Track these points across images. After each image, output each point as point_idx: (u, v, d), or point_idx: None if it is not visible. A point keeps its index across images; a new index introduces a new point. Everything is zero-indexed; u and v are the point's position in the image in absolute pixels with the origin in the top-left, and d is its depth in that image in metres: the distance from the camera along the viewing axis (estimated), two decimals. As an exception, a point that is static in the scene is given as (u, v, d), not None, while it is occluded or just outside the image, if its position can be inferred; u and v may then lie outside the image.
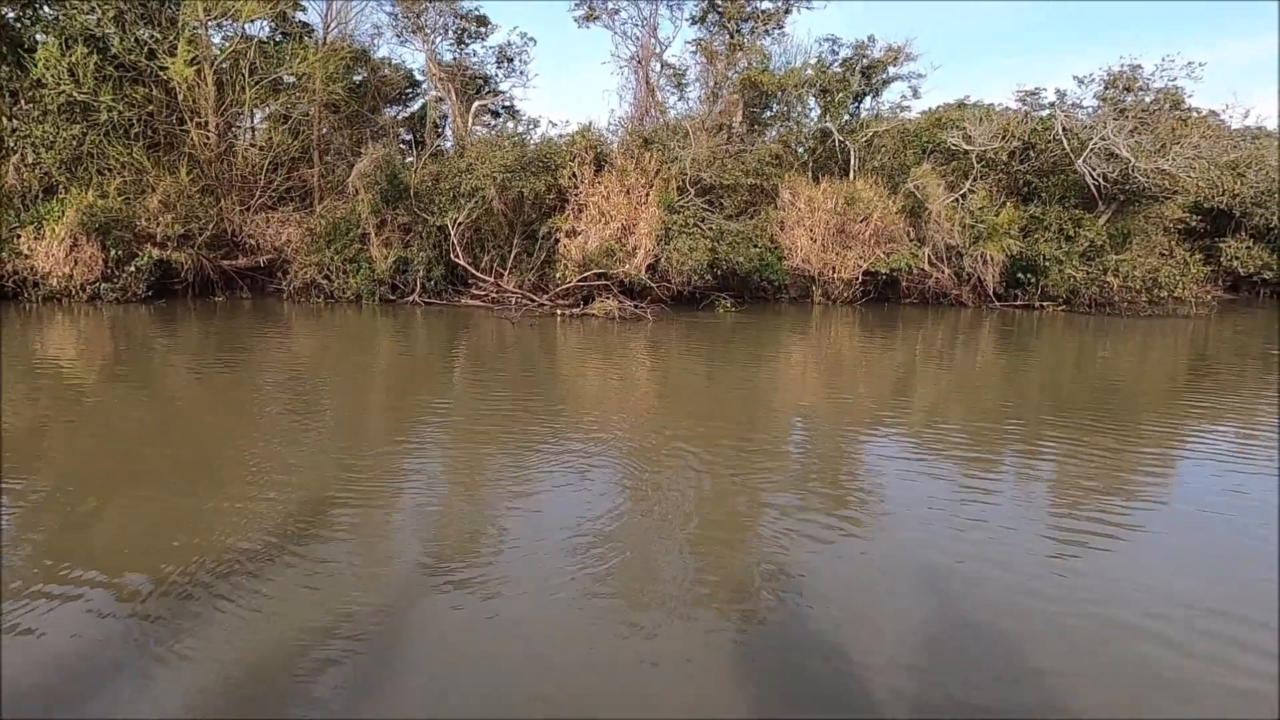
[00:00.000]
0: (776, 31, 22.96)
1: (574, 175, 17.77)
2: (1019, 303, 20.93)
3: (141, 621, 3.47)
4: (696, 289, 18.07)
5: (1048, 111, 22.39)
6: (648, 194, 17.84)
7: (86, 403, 8.23)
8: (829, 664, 3.35)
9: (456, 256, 17.41)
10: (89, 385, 9.13)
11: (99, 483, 5.50)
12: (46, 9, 16.83)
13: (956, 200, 20.55)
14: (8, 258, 16.07)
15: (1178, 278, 19.86)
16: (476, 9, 23.38)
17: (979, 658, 3.43)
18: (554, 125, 23.82)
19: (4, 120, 16.64)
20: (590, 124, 19.06)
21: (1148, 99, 20.43)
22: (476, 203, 16.95)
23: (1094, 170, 19.92)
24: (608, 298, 16.67)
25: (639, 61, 22.99)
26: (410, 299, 17.57)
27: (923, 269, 20.30)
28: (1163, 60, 20.23)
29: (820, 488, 5.76)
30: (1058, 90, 22.17)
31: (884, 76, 23.37)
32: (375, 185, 17.05)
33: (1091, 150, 19.79)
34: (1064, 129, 20.44)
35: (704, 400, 9.24)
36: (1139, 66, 20.55)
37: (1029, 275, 20.70)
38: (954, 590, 4.10)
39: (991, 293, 20.50)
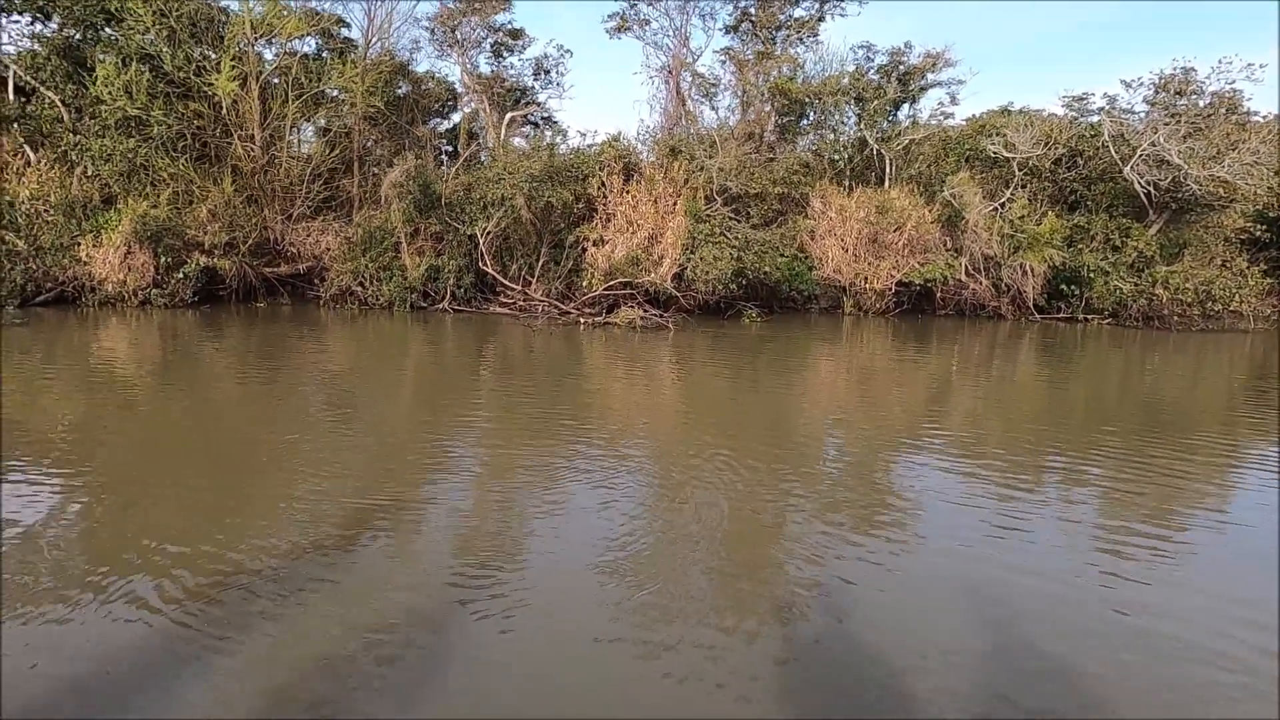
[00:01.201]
0: (810, 39, 22.75)
1: (602, 185, 17.91)
2: (1061, 315, 20.19)
3: (178, 622, 3.56)
4: (723, 298, 17.97)
5: (1096, 117, 21.64)
6: (675, 203, 17.87)
7: (135, 403, 8.60)
8: (873, 686, 3.27)
9: (485, 265, 17.71)
10: (138, 386, 9.54)
11: (144, 481, 5.72)
12: (107, 30, 17.84)
13: (995, 209, 19.98)
14: (69, 264, 17.01)
15: (1234, 290, 18.87)
16: (510, 22, 23.84)
17: (1027, 680, 3.34)
18: (582, 135, 24.02)
19: (69, 135, 17.64)
20: (620, 134, 19.19)
21: (1202, 103, 19.54)
22: (505, 212, 17.23)
23: (1143, 178, 19.12)
24: (632, 306, 16.71)
25: (670, 72, 23.08)
26: (440, 306, 17.93)
27: (959, 279, 19.79)
28: (1219, 62, 19.32)
29: (856, 502, 5.64)
30: (1106, 95, 21.43)
31: (921, 83, 22.92)
32: (408, 195, 17.50)
33: (1140, 157, 19.01)
34: (1111, 135, 19.68)
35: (732, 412, 9.13)
36: (1192, 69, 19.71)
37: (1073, 287, 19.97)
38: (998, 610, 3.99)
39: (1032, 305, 19.83)
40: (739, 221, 18.14)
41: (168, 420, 7.72)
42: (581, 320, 16.67)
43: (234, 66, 17.47)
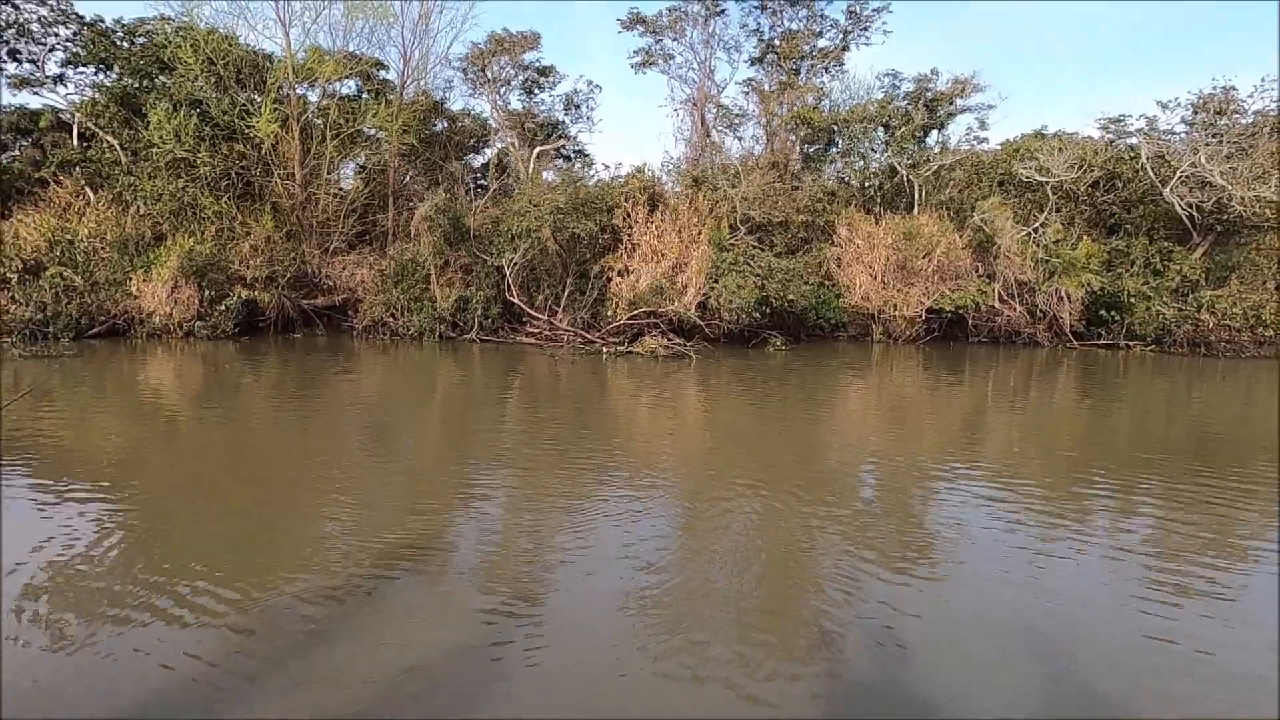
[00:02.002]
0: (836, 68, 22.86)
1: (628, 215, 18.15)
2: (1102, 342, 19.55)
3: (207, 652, 3.65)
4: (748, 327, 17.91)
5: (1134, 139, 21.14)
6: (699, 232, 17.99)
7: (179, 431, 8.92)
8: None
9: (512, 295, 18.02)
10: (182, 415, 9.90)
11: (184, 507, 5.92)
12: (160, 78, 18.97)
13: (1029, 234, 19.57)
14: (121, 298, 17.89)
15: (1286, 315, 18.03)
16: (539, 60, 24.56)
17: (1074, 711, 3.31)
18: (606, 167, 24.51)
19: (124, 177, 18.69)
20: (645, 165, 19.47)
21: (1244, 121, 18.93)
22: (532, 244, 17.56)
23: (1183, 200, 18.54)
24: (656, 336, 16.77)
25: (694, 104, 23.41)
26: (468, 336, 18.27)
27: (992, 306, 19.37)
28: (1262, 80, 18.74)
29: (891, 534, 5.52)
30: (1145, 116, 20.92)
31: (950, 109, 22.76)
32: (438, 228, 17.99)
33: (1180, 178, 18.46)
34: (1148, 157, 19.18)
35: (760, 442, 8.97)
36: (1233, 88, 19.13)
37: (1113, 313, 19.35)
38: (1042, 643, 3.90)
39: (1069, 331, 19.26)
40: (763, 250, 18.14)
41: (209, 448, 7.98)
42: (604, 349, 16.78)
43: (275, 109, 18.34)
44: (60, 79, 20.79)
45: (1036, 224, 19.79)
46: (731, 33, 23.23)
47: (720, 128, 23.09)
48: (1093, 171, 20.12)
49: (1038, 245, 19.22)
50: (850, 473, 7.67)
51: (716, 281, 17.07)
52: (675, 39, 23.08)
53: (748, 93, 23.18)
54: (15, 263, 17.05)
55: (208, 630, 3.82)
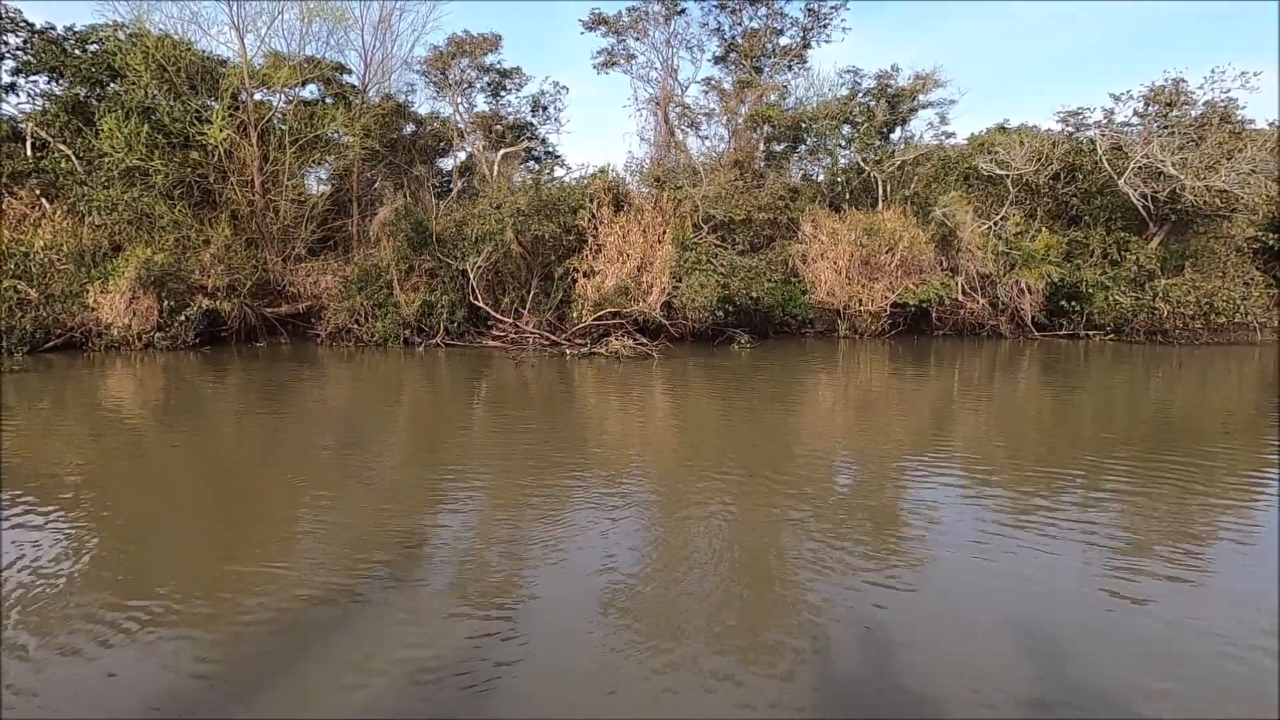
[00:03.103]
0: (799, 65, 22.99)
1: (593, 216, 18.14)
2: (1063, 332, 19.85)
3: (178, 669, 3.62)
4: (713, 326, 17.98)
5: (1092, 132, 21.47)
6: (664, 232, 18.03)
7: (142, 444, 8.80)
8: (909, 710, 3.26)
9: (476, 299, 17.95)
10: (144, 428, 9.76)
11: (149, 521, 5.86)
12: (112, 85, 18.66)
13: (990, 227, 19.83)
14: (77, 311, 17.59)
15: (1238, 302, 18.41)
16: (500, 62, 24.47)
17: (1057, 694, 3.39)
18: (567, 170, 24.50)
19: (78, 187, 18.37)
20: (608, 166, 19.47)
21: (1194, 113, 19.29)
22: (495, 246, 17.50)
23: (1138, 190, 18.87)
24: (621, 336, 16.79)
25: (658, 103, 23.44)
26: (433, 341, 18.17)
27: (955, 299, 19.59)
28: (1212, 71, 19.08)
29: (867, 529, 5.58)
30: (1104, 110, 21.23)
31: (911, 105, 22.97)
32: (400, 233, 17.87)
33: (1134, 169, 18.79)
34: (1104, 149, 19.50)
35: (728, 441, 8.97)
36: (1183, 80, 19.51)
37: (1073, 303, 19.66)
38: (1019, 629, 3.99)
39: (1030, 322, 19.54)
40: (725, 248, 18.21)
41: (173, 462, 7.89)
42: (568, 351, 16.78)
43: (230, 115, 18.10)
44: (11, 88, 20.37)
45: (997, 217, 20.05)
46: (693, 32, 23.32)
47: (683, 127, 23.17)
48: (1052, 164, 20.42)
49: (998, 238, 19.48)
50: (823, 468, 7.71)
51: (680, 281, 17.12)
52: (637, 39, 23.14)
53: (708, 91, 23.29)
54: (-34, 277, 16.73)
55: (177, 644, 3.79)
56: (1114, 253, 19.62)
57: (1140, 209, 19.41)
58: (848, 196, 22.92)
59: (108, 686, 3.45)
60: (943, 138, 24.75)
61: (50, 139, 18.99)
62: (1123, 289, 19.12)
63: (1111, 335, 19.37)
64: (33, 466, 7.31)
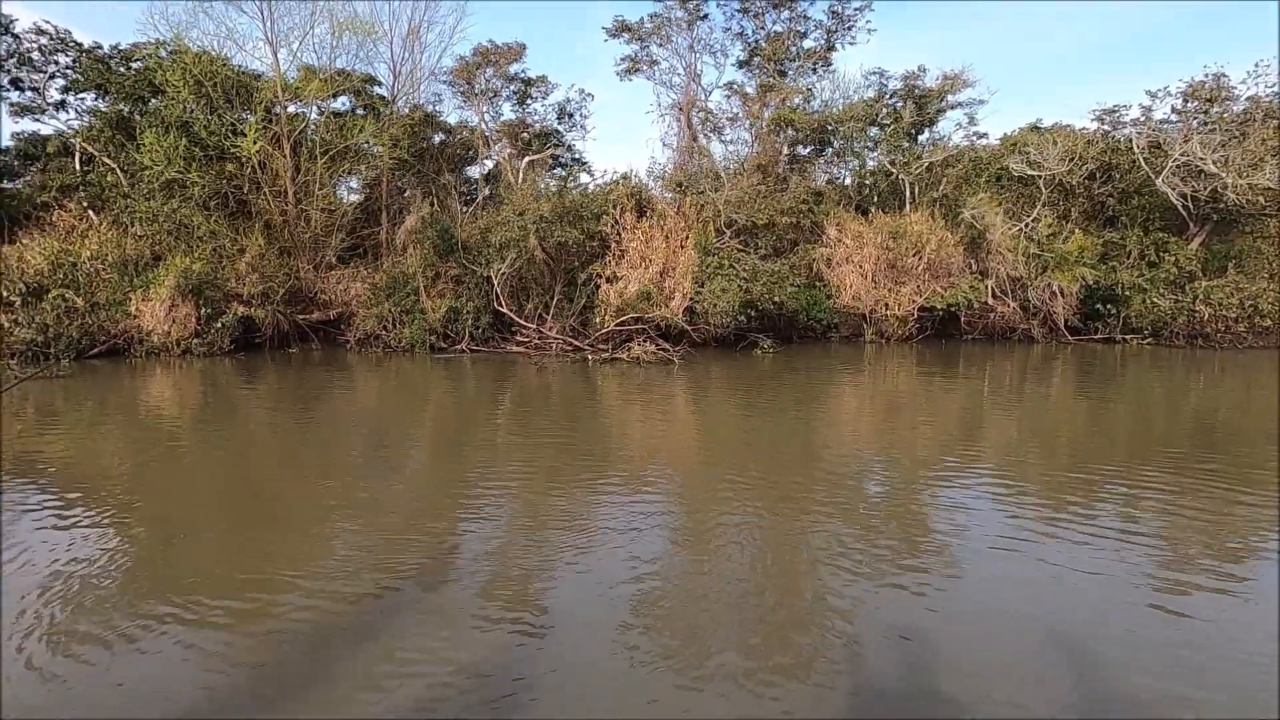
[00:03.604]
0: (824, 68, 22.81)
1: (615, 222, 18.24)
2: (1098, 336, 19.31)
3: (209, 669, 3.70)
4: (736, 331, 17.91)
5: (1128, 130, 20.90)
6: (686, 237, 18.04)
7: (180, 447, 9.07)
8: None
9: (500, 305, 18.17)
10: (182, 431, 10.05)
11: (186, 522, 6.04)
12: (153, 101, 19.38)
13: (1020, 229, 19.40)
14: (120, 318, 18.27)
15: (1285, 304, 17.71)
16: (524, 71, 24.76)
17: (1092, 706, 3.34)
18: (591, 176, 24.68)
19: (122, 199, 19.11)
20: (631, 172, 19.57)
21: (1236, 108, 18.63)
22: (519, 253, 17.70)
23: (1176, 189, 18.29)
24: (643, 341, 16.83)
25: (680, 109, 23.47)
26: (459, 347, 18.43)
27: (985, 303, 19.21)
28: (1255, 65, 18.40)
29: (896, 538, 5.44)
30: (1141, 106, 20.65)
31: (939, 106, 22.61)
32: (426, 240, 18.19)
33: (1173, 168, 18.22)
34: (1140, 147, 18.96)
35: (753, 446, 8.86)
36: (1224, 75, 18.83)
37: (1109, 306, 19.12)
38: (1054, 636, 3.91)
39: (1063, 326, 19.05)
40: (747, 253, 18.14)
41: (209, 464, 8.13)
42: (590, 356, 16.87)
43: (264, 128, 18.64)
44: (61, 105, 21.29)
45: (1029, 219, 19.61)
46: (716, 37, 23.26)
47: (706, 132, 23.15)
48: (1086, 164, 19.91)
49: (1029, 240, 19.05)
50: (850, 474, 7.56)
51: (702, 286, 17.10)
52: (660, 45, 23.21)
53: (730, 96, 23.24)
54: (18, 286, 17.47)
55: (208, 646, 3.87)
56: (1152, 254, 19.04)
57: (1180, 208, 18.80)
58: (875, 199, 22.66)
59: (137, 685, 3.54)
60: (974, 138, 24.36)
61: (96, 153, 19.80)
62: (1161, 291, 18.53)
63: (1149, 339, 18.78)
64: (78, 467, 7.62)
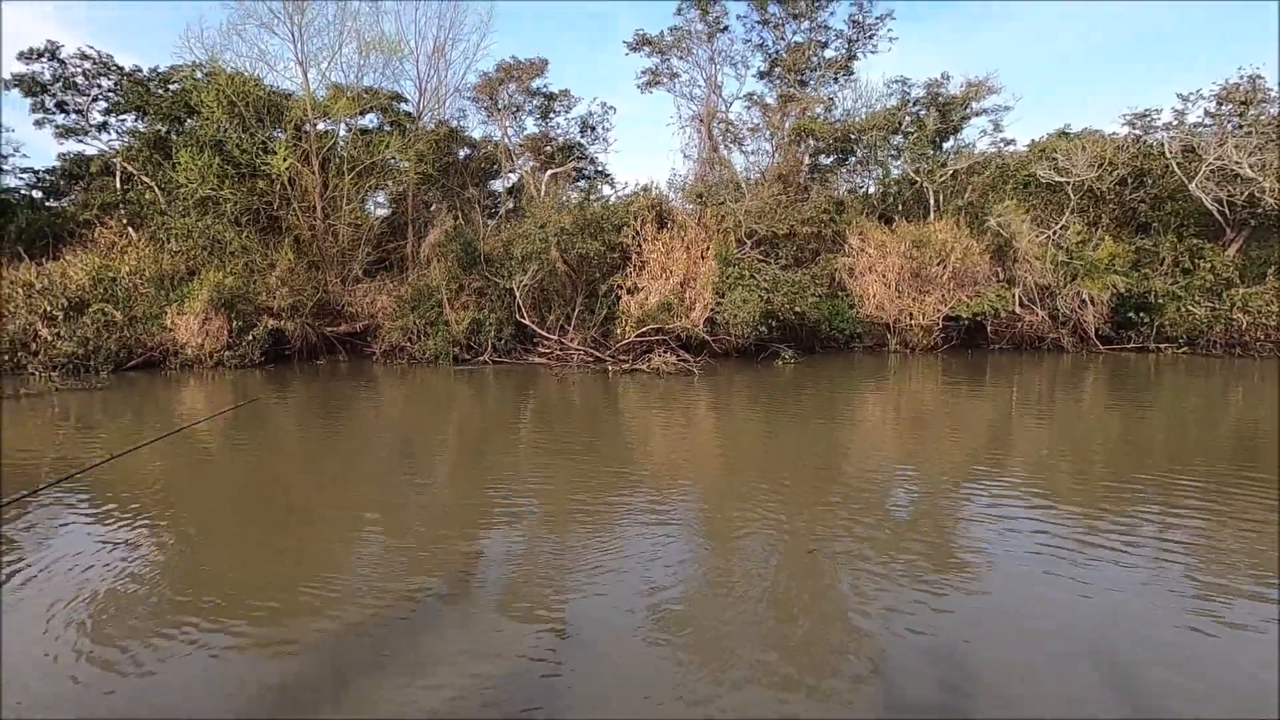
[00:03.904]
0: (845, 77, 22.74)
1: (636, 234, 18.33)
2: (1131, 345, 18.84)
3: (237, 677, 3.74)
4: (758, 341, 17.83)
5: (1160, 134, 20.45)
6: (707, 248, 18.06)
7: (212, 457, 9.34)
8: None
9: (523, 316, 18.35)
10: (214, 441, 10.29)
11: (217, 530, 6.22)
12: (189, 121, 20.04)
13: (1048, 236, 19.06)
14: (156, 331, 18.84)
15: (1328, 311, 17.12)
16: (546, 85, 25.08)
17: None
18: (612, 188, 24.86)
19: (158, 216, 19.75)
20: (652, 183, 19.67)
21: (1273, 110, 18.13)
22: (541, 265, 17.87)
23: (1212, 194, 17.83)
24: (664, 352, 16.85)
25: (701, 120, 23.55)
26: (481, 359, 18.64)
27: (1012, 312, 18.88)
28: (1295, 67, 17.87)
29: (922, 551, 5.35)
30: (1174, 110, 20.22)
31: (963, 113, 22.38)
32: (450, 253, 18.46)
33: (1207, 172, 17.77)
34: (1172, 152, 18.54)
35: (776, 457, 8.79)
36: (1259, 76, 18.35)
37: (1142, 315, 18.66)
38: (1089, 653, 3.82)
39: (1094, 335, 18.62)
40: (768, 263, 18.09)
41: (239, 473, 8.35)
42: (610, 367, 16.93)
43: (294, 145, 19.15)
44: (103, 126, 22.14)
45: (1057, 226, 19.26)
46: (737, 49, 23.32)
47: (727, 143, 23.20)
48: (1117, 169, 19.51)
49: (1058, 248, 18.70)
50: (874, 485, 7.41)
51: (723, 297, 17.09)
52: (681, 57, 23.36)
53: (750, 106, 23.26)
54: (61, 301, 18.12)
55: (233, 653, 3.94)
56: (1186, 261, 18.55)
57: (1215, 214, 18.32)
58: (900, 208, 22.45)
59: (161, 691, 3.62)
60: (1000, 145, 24.04)
61: (135, 172, 20.51)
62: (1196, 299, 18.03)
63: (1185, 348, 18.27)
64: (115, 475, 7.84)
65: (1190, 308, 17.93)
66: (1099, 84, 52.05)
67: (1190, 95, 19.51)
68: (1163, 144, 19.37)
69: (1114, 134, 21.46)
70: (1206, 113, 19.38)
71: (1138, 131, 21.30)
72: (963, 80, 22.22)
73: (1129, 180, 20.01)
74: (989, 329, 19.34)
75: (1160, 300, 18.27)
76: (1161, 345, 18.48)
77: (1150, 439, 9.77)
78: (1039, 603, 4.45)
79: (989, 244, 19.25)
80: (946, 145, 23.27)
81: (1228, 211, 18.12)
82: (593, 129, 27.61)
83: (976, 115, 22.67)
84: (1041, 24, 55.98)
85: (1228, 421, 10.88)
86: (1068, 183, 19.72)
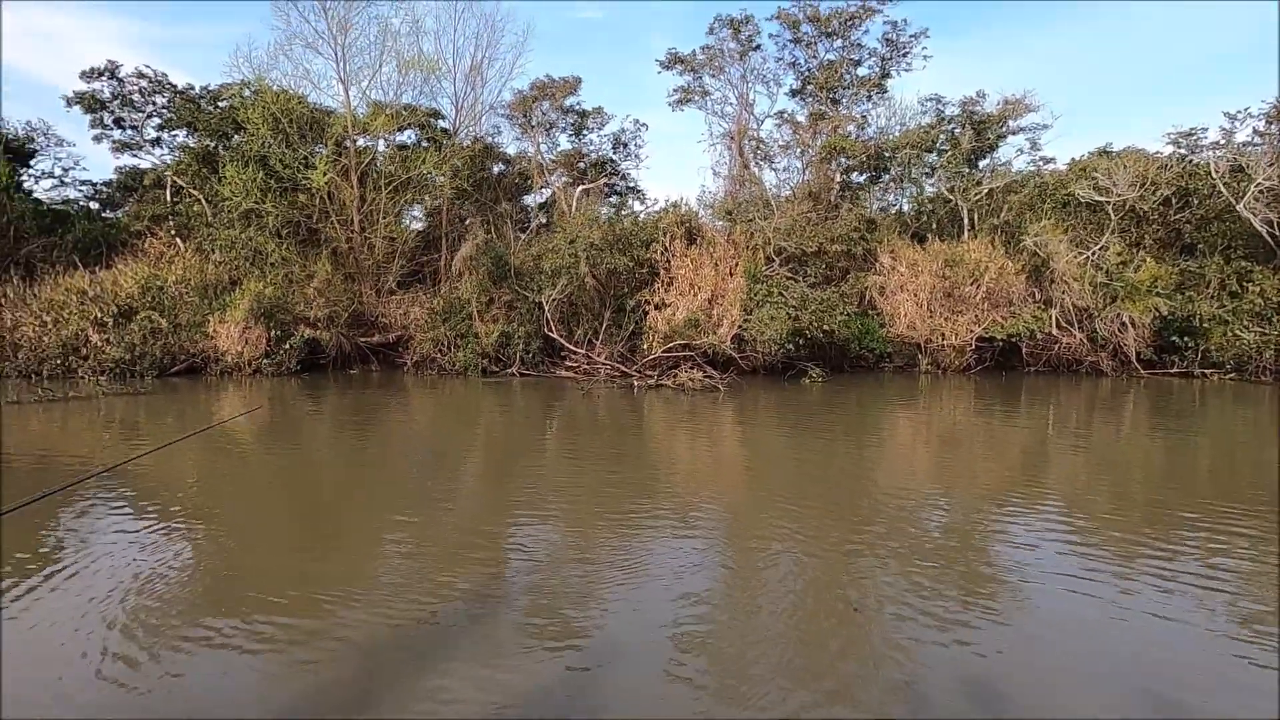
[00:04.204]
0: (878, 95, 22.62)
1: (665, 250, 18.42)
2: (1174, 370, 18.23)
3: (265, 675, 3.85)
4: (784, 359, 17.71)
5: (1210, 154, 19.89)
6: (736, 264, 18.05)
7: (249, 460, 9.67)
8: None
9: (551, 330, 18.52)
10: (250, 446, 10.64)
11: (250, 529, 6.43)
12: (235, 137, 20.83)
13: (1088, 257, 18.61)
14: (199, 339, 19.49)
15: (1387, 338, 16.35)
16: (579, 103, 25.43)
17: None
18: (644, 204, 25.04)
19: (204, 228, 20.50)
20: (681, 200, 19.77)
21: (1327, 131, 17.50)
22: (569, 279, 18.05)
23: (1261, 215, 17.24)
24: (691, 368, 16.84)
25: (732, 138, 23.62)
26: (509, 371, 18.85)
27: (1049, 333, 18.44)
28: (1351, 86, 17.24)
29: (951, 574, 5.26)
30: (1221, 129, 19.64)
31: (999, 131, 22.05)
32: (480, 267, 18.77)
33: (1256, 192, 17.20)
34: (1218, 171, 17.99)
35: (800, 478, 8.67)
36: (1313, 96, 17.72)
37: (1186, 339, 18.05)
38: (1129, 698, 3.66)
39: (1135, 359, 18.07)
40: (797, 281, 17.99)
41: (273, 477, 8.61)
42: (635, 383, 16.96)
43: (334, 161, 19.74)
44: (157, 141, 23.14)
45: (1096, 246, 18.80)
46: (769, 67, 23.36)
47: (758, 160, 23.20)
48: (1160, 189, 19.00)
49: (1097, 269, 18.24)
50: (903, 508, 7.23)
51: (750, 314, 17.03)
52: (713, 76, 23.51)
53: (780, 125, 23.25)
54: (111, 308, 18.88)
55: (256, 659, 4.00)
56: (1233, 284, 17.93)
57: (1265, 235, 17.69)
58: (934, 226, 22.17)
59: (182, 695, 3.68)
60: (1040, 164, 23.61)
61: (184, 185, 21.35)
62: (1245, 323, 17.40)
63: (1232, 374, 17.61)
64: (157, 477, 8.16)
65: (1239, 332, 17.30)
66: (1142, 104, 50.85)
67: (1238, 113, 19.00)
68: (1209, 163, 18.82)
69: (1158, 153, 20.96)
70: (1255, 131, 18.82)
71: (1183, 150, 20.75)
72: (999, 98, 21.97)
73: (1173, 200, 19.46)
74: (1024, 350, 18.91)
75: (1206, 324, 17.67)
76: (1207, 371, 17.84)
77: (1195, 467, 9.42)
78: (1075, 632, 4.31)
79: (1025, 264, 18.88)
80: (982, 164, 22.94)
81: (1278, 233, 17.49)
82: (625, 145, 27.93)
83: (1013, 134, 22.35)
84: (1083, 43, 55.01)
85: (1275, 453, 10.42)
86: (1108, 202, 19.26)
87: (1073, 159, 23.25)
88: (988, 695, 3.61)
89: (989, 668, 3.89)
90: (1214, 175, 18.04)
